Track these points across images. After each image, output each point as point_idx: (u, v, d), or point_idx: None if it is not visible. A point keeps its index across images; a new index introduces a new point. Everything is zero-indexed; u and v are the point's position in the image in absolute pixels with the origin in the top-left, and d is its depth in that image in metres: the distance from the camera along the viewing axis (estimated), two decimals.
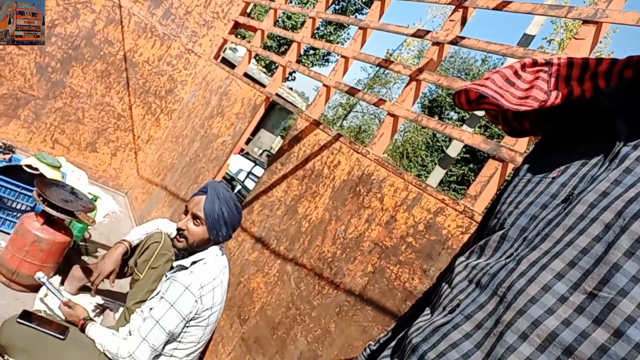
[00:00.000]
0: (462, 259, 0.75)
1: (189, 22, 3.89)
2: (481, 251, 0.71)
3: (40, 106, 3.69)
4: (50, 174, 2.80)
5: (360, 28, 2.47)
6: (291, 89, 17.57)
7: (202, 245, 1.92)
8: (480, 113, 7.60)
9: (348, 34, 18.41)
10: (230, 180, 4.94)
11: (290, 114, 16.63)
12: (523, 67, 0.77)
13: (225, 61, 9.76)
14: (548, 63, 0.77)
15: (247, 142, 13.32)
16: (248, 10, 4.05)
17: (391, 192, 1.86)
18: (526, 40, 6.74)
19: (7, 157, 3.03)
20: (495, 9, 1.78)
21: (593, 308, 0.54)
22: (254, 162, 6.91)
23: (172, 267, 1.99)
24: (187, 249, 1.92)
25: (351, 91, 2.43)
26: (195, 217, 1.89)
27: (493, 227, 0.73)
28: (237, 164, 5.52)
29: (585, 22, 1.51)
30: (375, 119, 21.95)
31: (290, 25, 16.91)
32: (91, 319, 1.90)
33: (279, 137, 18.38)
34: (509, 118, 0.84)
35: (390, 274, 1.67)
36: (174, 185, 3.52)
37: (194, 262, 1.89)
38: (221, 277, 1.91)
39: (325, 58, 18.85)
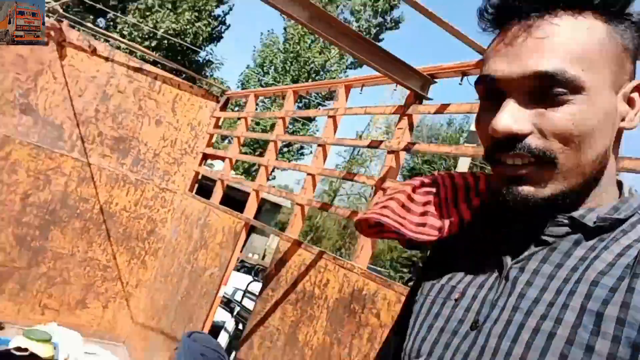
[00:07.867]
0: None
1: (159, 163, 4.01)
2: None
3: (24, 276, 3.65)
4: (41, 350, 2.72)
5: (318, 145, 2.57)
6: (273, 187, 17.76)
7: None
8: None
9: (316, 126, 19.13)
10: (227, 302, 4.83)
11: (279, 208, 16.67)
12: (414, 190, 0.81)
13: (203, 177, 9.91)
14: (434, 183, 0.81)
15: (241, 248, 13.19)
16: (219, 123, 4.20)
17: (385, 306, 1.83)
18: (473, 136, 7.16)
19: None
20: (436, 112, 1.88)
21: None
22: (250, 272, 6.79)
23: None
24: None
25: (324, 206, 2.48)
26: None
27: (410, 350, 0.73)
28: (232, 283, 5.43)
29: None
30: (362, 198, 22.16)
31: (260, 130, 17.53)
32: None
33: (271, 235, 18.26)
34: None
35: None
36: (170, 327, 3.42)
37: None
38: None
39: (300, 152, 19.36)
